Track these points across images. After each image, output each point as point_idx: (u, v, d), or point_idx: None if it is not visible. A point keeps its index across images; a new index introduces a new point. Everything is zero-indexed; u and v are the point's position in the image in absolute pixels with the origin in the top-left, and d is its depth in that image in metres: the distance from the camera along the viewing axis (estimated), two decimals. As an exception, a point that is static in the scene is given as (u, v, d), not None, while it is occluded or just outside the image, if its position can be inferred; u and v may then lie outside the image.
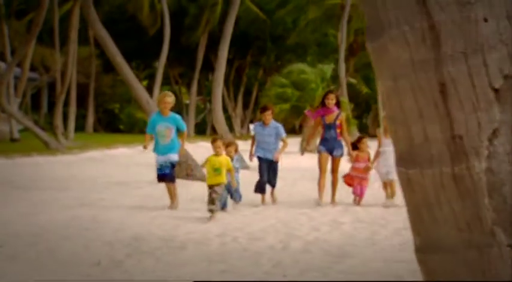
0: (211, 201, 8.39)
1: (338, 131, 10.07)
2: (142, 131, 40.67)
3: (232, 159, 9.09)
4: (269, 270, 5.50)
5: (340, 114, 10.12)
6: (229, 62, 43.82)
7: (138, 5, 30.81)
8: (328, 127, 9.98)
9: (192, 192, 11.39)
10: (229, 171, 8.74)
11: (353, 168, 10.31)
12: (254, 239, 7.05)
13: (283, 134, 10.32)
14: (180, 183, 12.35)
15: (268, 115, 10.19)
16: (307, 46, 40.45)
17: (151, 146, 9.93)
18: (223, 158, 8.72)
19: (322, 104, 10.19)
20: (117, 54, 13.40)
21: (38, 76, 32.01)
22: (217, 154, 8.69)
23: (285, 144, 10.53)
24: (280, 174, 10.59)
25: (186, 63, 40.39)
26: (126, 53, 37.60)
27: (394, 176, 9.47)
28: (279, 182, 10.72)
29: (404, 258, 5.66)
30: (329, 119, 9.99)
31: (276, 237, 7.14)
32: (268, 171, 10.15)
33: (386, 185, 10.13)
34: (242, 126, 42.86)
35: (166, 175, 9.56)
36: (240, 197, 9.56)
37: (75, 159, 19.14)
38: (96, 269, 5.53)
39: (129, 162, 19.21)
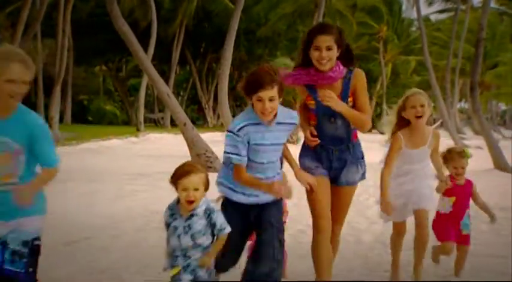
0: None
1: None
2: (111, 123, 41.67)
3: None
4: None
5: (353, 78, 4.24)
6: (203, 56, 44.76)
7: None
8: (327, 113, 4.25)
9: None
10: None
11: None
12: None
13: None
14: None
15: (271, 96, 3.74)
16: (278, 41, 41.38)
17: None
18: None
19: (304, 60, 4.26)
20: (140, 50, 13.97)
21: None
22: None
23: (288, 152, 4.22)
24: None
25: (158, 57, 40.85)
26: (101, 45, 38.36)
27: (428, 204, 4.91)
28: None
29: (501, 254, 6.10)
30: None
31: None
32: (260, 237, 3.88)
33: (402, 228, 5.10)
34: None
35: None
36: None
37: (76, 151, 19.49)
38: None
39: (128, 154, 19.66)
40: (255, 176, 3.89)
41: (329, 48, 4.11)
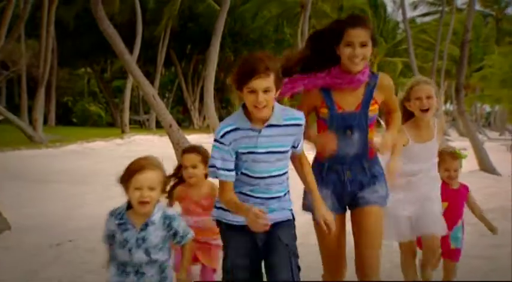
0: None
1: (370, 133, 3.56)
2: (96, 124, 41.41)
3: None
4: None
5: (382, 88, 3.51)
6: (188, 58, 44.65)
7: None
8: (342, 125, 3.45)
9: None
10: None
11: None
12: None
13: (301, 144, 3.29)
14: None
15: (266, 87, 2.99)
16: (265, 43, 41.42)
17: None
18: None
19: (323, 59, 3.48)
20: (125, 52, 13.85)
21: (-1, 70, 31.77)
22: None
23: (308, 172, 3.34)
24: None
25: (143, 58, 40.74)
26: (86, 47, 38.10)
27: (439, 229, 4.17)
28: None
29: (485, 255, 6.03)
30: (347, 101, 3.47)
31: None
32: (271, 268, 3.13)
33: (412, 248, 4.34)
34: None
35: None
36: None
37: (60, 153, 19.40)
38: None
39: (114, 156, 19.55)
40: (257, 196, 3.17)
41: (363, 45, 3.37)
